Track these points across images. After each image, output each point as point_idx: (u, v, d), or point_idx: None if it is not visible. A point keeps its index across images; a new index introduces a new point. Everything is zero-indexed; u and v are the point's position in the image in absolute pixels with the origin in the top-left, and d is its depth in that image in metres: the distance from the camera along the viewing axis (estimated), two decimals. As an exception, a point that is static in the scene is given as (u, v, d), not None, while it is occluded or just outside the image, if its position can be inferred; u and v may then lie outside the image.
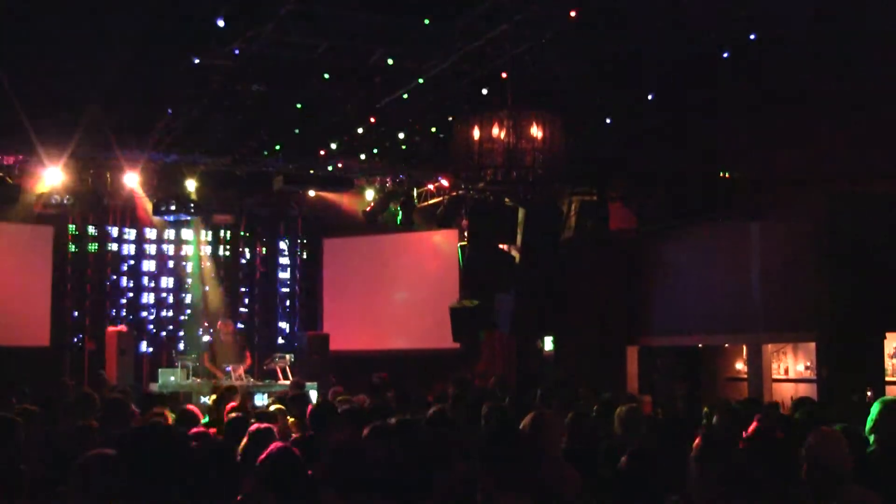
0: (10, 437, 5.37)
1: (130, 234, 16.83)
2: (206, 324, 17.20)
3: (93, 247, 16.56)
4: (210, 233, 17.45)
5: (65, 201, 14.47)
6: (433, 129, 12.66)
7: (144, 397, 9.53)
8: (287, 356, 15.20)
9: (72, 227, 16.23)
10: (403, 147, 13.71)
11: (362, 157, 14.21)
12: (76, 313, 16.35)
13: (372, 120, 12.20)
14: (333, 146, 13.50)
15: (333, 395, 9.90)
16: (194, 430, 6.46)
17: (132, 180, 14.72)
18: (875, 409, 5.62)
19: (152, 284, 17.09)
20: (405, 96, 11.31)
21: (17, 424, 5.52)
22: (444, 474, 3.80)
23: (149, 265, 17.04)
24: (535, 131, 9.00)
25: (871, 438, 5.55)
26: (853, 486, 4.49)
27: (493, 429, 3.49)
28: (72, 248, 16.34)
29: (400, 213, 16.58)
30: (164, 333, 17.06)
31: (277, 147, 13.36)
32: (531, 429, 5.01)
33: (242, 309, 17.83)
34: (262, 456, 4.26)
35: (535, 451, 3.45)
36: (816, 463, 4.54)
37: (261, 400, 13.11)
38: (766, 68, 10.71)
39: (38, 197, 14.53)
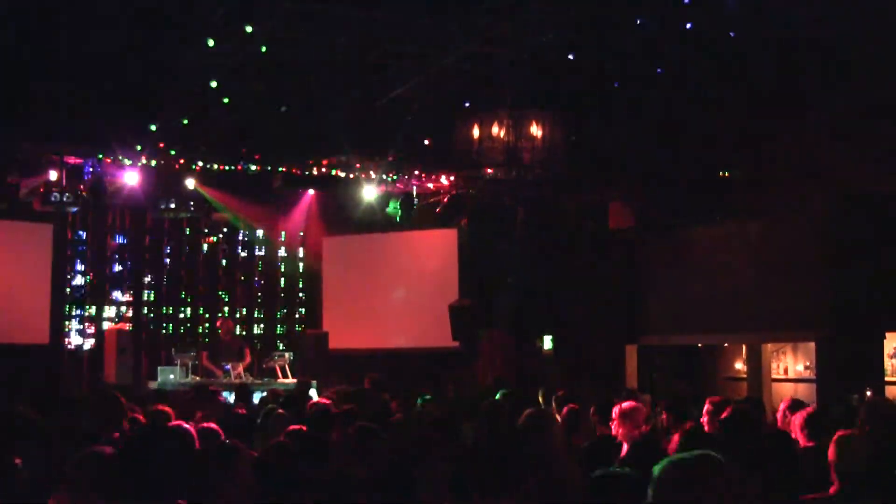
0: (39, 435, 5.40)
1: (130, 232, 16.80)
2: (205, 322, 17.22)
3: (92, 245, 16.53)
4: (209, 231, 17.44)
5: (64, 199, 14.46)
6: (433, 128, 12.65)
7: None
8: (286, 354, 15.18)
9: (71, 224, 16.19)
10: (403, 145, 13.70)
11: (362, 155, 14.21)
12: (75, 311, 16.32)
13: (372, 118, 12.19)
14: (333, 144, 13.49)
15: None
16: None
17: (132, 178, 14.71)
18: None
19: (151, 282, 17.06)
20: (406, 94, 11.32)
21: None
22: (426, 475, 3.78)
23: (148, 263, 17.01)
24: (535, 130, 9.02)
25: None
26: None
27: (480, 432, 3.45)
28: (71, 246, 16.31)
29: (400, 211, 16.58)
30: (163, 332, 17.03)
31: (277, 145, 13.35)
32: (532, 428, 5.00)
33: (242, 307, 17.80)
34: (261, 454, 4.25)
35: (525, 453, 3.40)
36: (837, 466, 4.53)
37: (257, 398, 13.08)
38: (767, 67, 10.72)
39: (37, 195, 14.52)
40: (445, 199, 15.75)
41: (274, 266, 18.14)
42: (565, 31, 9.36)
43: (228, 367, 14.30)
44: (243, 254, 17.89)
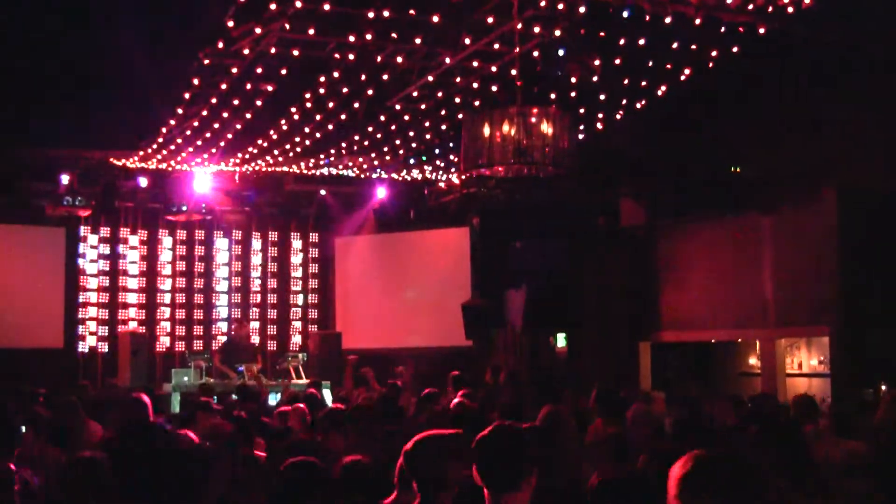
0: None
1: (142, 235, 16.84)
2: (217, 324, 17.27)
3: (105, 248, 16.56)
4: (221, 233, 17.47)
5: (76, 203, 14.51)
6: (443, 127, 12.64)
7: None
8: (300, 355, 15.20)
9: (83, 228, 16.23)
10: (414, 145, 13.70)
11: (373, 155, 14.21)
12: (89, 314, 16.35)
13: (382, 118, 12.19)
14: (344, 145, 13.50)
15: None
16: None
17: (143, 181, 14.75)
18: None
19: (165, 285, 17.10)
20: (415, 94, 11.31)
21: None
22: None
23: (161, 266, 17.05)
24: (546, 128, 8.97)
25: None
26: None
27: (490, 428, 3.42)
28: (84, 249, 16.34)
29: (411, 211, 16.60)
30: (177, 334, 17.06)
31: (288, 146, 13.36)
32: (546, 426, 4.99)
33: (255, 308, 17.83)
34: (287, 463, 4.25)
35: (535, 450, 3.38)
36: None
37: (274, 400, 13.10)
38: (775, 63, 10.68)
39: (50, 199, 14.59)
40: (456, 198, 15.74)
41: (286, 267, 18.17)
42: (574, 28, 9.34)
43: (242, 368, 14.33)
44: (255, 255, 17.92)
